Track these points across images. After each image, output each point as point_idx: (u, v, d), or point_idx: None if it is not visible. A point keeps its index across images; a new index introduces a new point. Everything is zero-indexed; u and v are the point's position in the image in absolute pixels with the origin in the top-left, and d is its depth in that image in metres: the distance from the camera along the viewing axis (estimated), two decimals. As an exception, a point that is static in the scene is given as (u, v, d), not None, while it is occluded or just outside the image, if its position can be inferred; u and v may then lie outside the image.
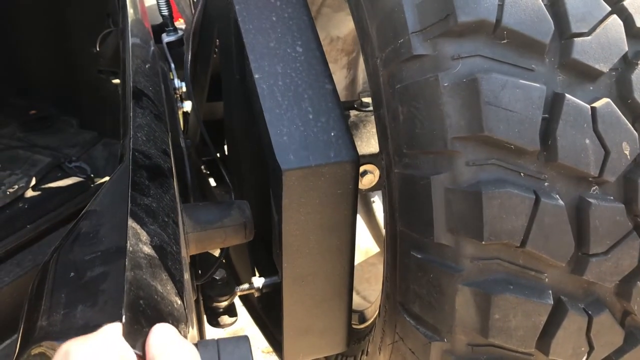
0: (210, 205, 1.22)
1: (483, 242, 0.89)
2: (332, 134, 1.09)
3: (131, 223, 0.82)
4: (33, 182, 2.39)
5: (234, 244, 1.21)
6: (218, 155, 2.14)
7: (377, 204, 2.35)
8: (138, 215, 0.85)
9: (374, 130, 1.60)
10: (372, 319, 1.44)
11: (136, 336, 0.66)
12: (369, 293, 1.81)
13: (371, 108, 1.62)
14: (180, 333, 0.74)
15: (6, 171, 2.47)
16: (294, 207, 1.07)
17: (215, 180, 2.38)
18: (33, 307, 0.81)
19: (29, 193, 2.37)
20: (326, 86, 1.14)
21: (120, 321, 0.65)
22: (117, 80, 2.47)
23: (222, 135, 2.35)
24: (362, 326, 1.49)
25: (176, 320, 0.74)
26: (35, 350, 0.68)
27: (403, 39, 0.95)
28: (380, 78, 1.03)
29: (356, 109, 1.63)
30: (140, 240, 0.80)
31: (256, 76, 1.12)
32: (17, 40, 2.81)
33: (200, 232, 1.15)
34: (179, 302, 0.78)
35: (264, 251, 1.52)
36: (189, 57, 1.41)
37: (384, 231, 2.25)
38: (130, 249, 0.77)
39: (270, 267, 1.46)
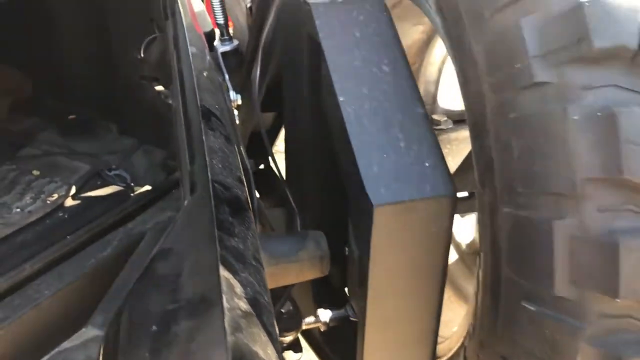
0: (283, 237, 1.12)
1: (618, 300, 0.78)
2: (427, 164, 0.98)
3: (223, 272, 0.72)
4: (73, 190, 2.32)
5: (309, 278, 1.11)
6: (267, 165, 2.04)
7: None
8: (228, 262, 0.75)
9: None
10: (446, 358, 1.33)
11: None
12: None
13: (441, 126, 1.51)
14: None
15: (45, 178, 2.40)
16: (384, 246, 0.97)
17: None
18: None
19: (69, 202, 2.30)
20: (417, 110, 1.03)
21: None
22: (160, 87, 2.39)
23: (263, 148, 2.26)
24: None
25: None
26: None
27: (521, 64, 0.84)
28: (486, 105, 0.92)
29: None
30: (235, 294, 0.70)
31: (341, 99, 1.02)
32: (57, 43, 2.75)
33: (274, 267, 1.06)
34: (281, 367, 0.68)
35: (326, 281, 1.42)
36: (258, 70, 1.31)
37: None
38: (227, 305, 0.67)
39: (334, 299, 1.36)
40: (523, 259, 0.88)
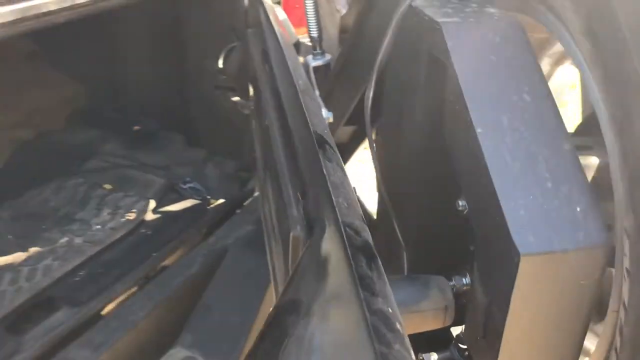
0: (403, 282, 1.02)
1: None
2: (578, 208, 0.87)
3: (379, 346, 0.61)
4: (152, 205, 2.22)
5: (428, 329, 1.02)
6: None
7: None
8: (380, 332, 0.64)
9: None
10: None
11: None
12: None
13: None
14: None
15: (119, 192, 2.30)
16: (526, 298, 0.86)
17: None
18: None
19: (148, 216, 2.20)
20: (564, 146, 0.92)
21: None
22: (236, 98, 2.31)
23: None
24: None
25: None
26: None
27: None
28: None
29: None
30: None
31: (479, 130, 0.92)
32: (122, 54, 2.64)
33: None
34: None
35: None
36: (372, 90, 1.21)
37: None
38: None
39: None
40: None
